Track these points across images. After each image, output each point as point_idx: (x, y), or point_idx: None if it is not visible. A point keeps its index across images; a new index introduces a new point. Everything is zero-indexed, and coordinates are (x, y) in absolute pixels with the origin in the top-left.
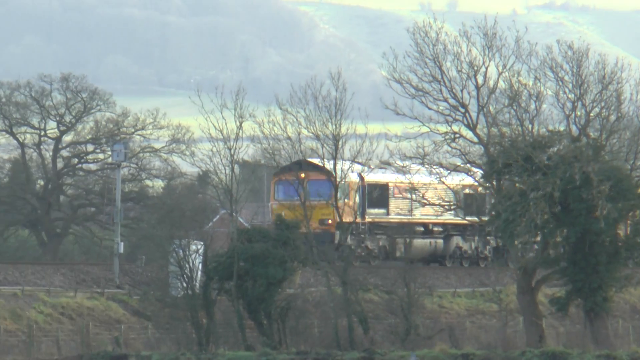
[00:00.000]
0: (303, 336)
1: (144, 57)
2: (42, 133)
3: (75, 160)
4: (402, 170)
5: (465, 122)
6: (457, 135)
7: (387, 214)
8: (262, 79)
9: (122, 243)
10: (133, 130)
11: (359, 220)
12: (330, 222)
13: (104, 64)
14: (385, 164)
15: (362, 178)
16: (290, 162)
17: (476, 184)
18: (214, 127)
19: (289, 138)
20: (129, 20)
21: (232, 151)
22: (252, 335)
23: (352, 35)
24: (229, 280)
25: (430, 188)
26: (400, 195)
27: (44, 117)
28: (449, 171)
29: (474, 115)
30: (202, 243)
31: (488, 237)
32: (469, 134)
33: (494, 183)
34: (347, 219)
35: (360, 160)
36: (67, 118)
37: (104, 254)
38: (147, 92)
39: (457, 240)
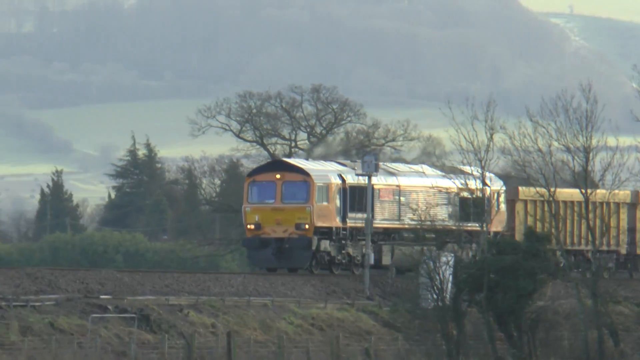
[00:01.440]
0: (552, 348)
1: (394, 69)
2: (293, 144)
3: None
4: (390, 172)
5: None
6: None
7: (372, 218)
8: (511, 90)
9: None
10: (384, 141)
11: (339, 225)
12: (307, 226)
13: (354, 75)
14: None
15: (343, 180)
16: (265, 163)
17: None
18: (465, 138)
19: (539, 150)
20: (379, 32)
21: (483, 163)
22: (501, 347)
23: (603, 47)
24: (479, 292)
25: (420, 192)
26: (387, 199)
27: (295, 128)
28: None
29: None
30: (452, 255)
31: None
32: None
33: None
34: (326, 223)
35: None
36: (318, 129)
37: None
38: (396, 104)
39: (453, 247)
